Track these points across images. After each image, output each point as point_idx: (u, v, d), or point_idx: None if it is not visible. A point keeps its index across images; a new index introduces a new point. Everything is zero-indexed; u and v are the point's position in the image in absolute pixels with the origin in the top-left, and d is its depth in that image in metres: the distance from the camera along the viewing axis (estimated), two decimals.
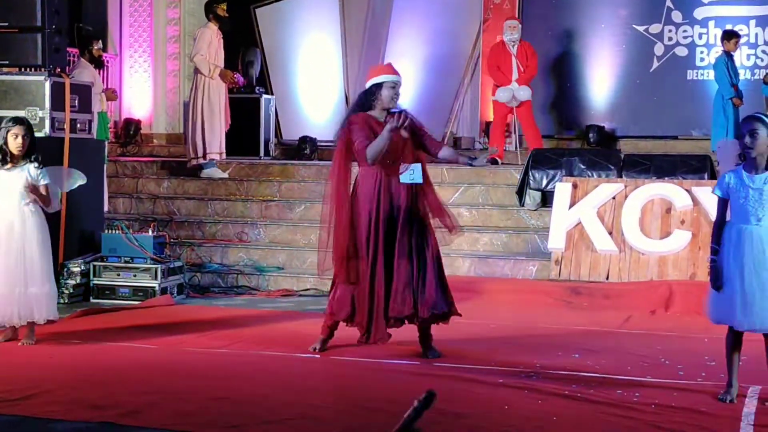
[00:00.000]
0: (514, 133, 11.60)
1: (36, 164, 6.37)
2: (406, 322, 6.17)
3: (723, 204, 5.20)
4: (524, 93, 11.28)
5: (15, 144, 6.28)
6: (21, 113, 7.69)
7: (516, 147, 11.52)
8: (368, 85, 6.27)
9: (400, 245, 6.08)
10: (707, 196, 8.07)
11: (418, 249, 6.14)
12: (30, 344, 6.39)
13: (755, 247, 5.05)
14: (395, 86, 6.20)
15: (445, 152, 6.42)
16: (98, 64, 10.88)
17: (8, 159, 6.29)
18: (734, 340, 5.20)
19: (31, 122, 6.95)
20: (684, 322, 7.31)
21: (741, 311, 5.05)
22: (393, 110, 6.16)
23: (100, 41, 11.24)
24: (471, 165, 6.66)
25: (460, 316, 6.32)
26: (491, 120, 12.31)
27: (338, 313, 6.20)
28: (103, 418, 4.75)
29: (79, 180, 6.90)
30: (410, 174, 6.08)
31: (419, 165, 6.13)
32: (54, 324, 6.63)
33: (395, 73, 6.29)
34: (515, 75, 11.30)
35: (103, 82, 12.57)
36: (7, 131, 6.30)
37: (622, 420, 4.84)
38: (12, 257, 6.30)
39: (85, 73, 10.16)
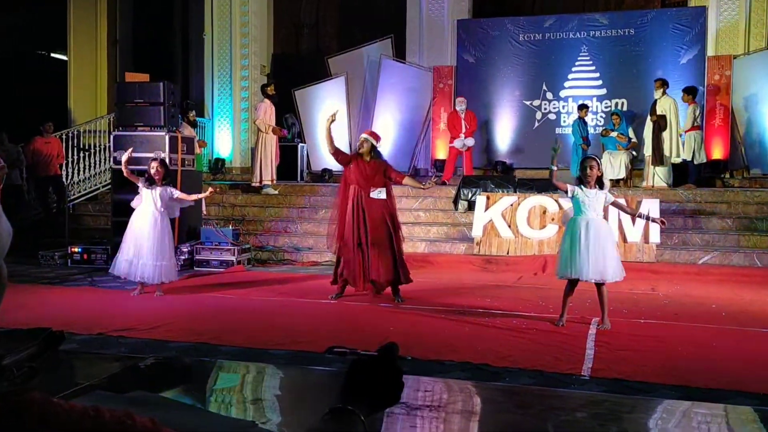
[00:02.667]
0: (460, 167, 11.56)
1: (169, 186, 6.44)
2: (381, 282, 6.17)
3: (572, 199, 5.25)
4: (470, 142, 11.31)
5: (156, 175, 6.31)
6: (151, 155, 7.67)
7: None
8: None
9: (374, 235, 6.08)
10: (568, 203, 8.12)
11: (387, 239, 6.13)
12: (160, 295, 6.38)
13: (590, 230, 5.10)
14: (361, 141, 6.29)
15: (407, 181, 6.45)
16: (193, 125, 10.90)
17: (152, 183, 6.32)
18: (569, 287, 5.24)
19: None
20: (553, 280, 7.31)
21: (575, 269, 5.08)
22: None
23: (194, 111, 11.26)
24: (423, 189, 6.69)
25: (411, 282, 6.27)
26: (438, 158, 12.35)
27: (342, 274, 6.20)
28: (201, 340, 4.76)
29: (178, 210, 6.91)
30: (378, 193, 6.14)
31: (384, 189, 6.18)
32: (173, 283, 6.64)
33: (364, 134, 6.43)
34: (463, 130, 11.32)
35: (201, 136, 12.58)
36: (150, 167, 6.34)
37: (516, 338, 4.88)
38: (154, 240, 6.29)
39: (186, 130, 10.12)
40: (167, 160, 7.51)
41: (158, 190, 6.34)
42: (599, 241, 5.06)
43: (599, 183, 5.18)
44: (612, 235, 5.32)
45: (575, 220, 5.18)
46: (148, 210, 6.34)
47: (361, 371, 0.99)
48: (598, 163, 5.19)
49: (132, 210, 6.49)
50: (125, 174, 6.41)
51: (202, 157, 12.18)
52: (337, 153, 6.24)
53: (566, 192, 5.23)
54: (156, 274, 6.31)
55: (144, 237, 6.28)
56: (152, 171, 6.32)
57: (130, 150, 6.65)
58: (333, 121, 6.21)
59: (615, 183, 10.70)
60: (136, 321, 5.32)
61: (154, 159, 6.53)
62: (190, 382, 2.64)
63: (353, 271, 6.08)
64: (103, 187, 10.92)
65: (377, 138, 6.38)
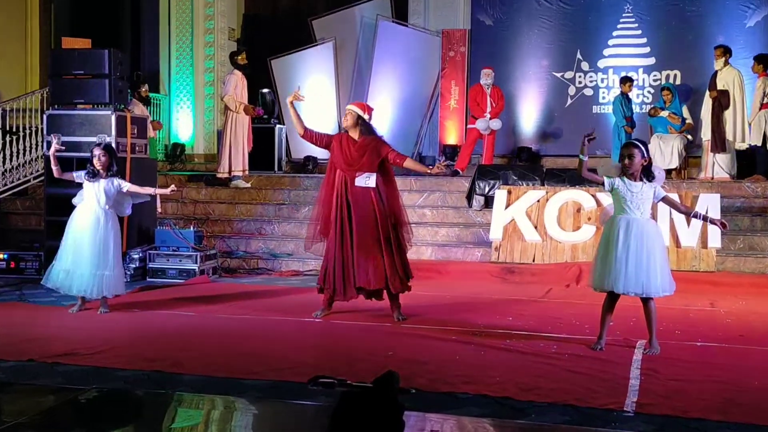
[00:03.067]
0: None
1: (117, 178, 6.41)
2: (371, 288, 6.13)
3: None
4: (496, 124, 11.30)
5: (98, 163, 6.31)
6: (93, 139, 7.67)
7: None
8: None
9: (360, 233, 6.01)
10: (607, 199, 8.13)
11: (377, 237, 6.06)
12: (104, 312, 6.38)
13: (631, 232, 5.11)
14: (345, 114, 6.26)
15: (408, 163, 6.29)
16: (146, 102, 10.96)
17: (95, 174, 6.31)
18: (609, 302, 5.24)
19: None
20: (590, 293, 7.27)
21: (618, 279, 5.08)
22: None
23: (147, 85, 11.30)
24: (429, 173, 6.64)
25: (410, 290, 6.24)
26: (448, 143, 12.36)
27: (324, 283, 6.17)
28: (155, 367, 4.75)
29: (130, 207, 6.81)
30: (365, 179, 6.08)
31: (374, 174, 6.08)
32: (120, 297, 6.63)
33: (350, 105, 6.37)
34: (488, 109, 11.30)
35: (156, 116, 12.59)
36: (92, 154, 6.34)
37: (544, 366, 4.88)
38: (96, 246, 6.29)
39: (136, 108, 10.14)
40: (114, 146, 7.51)
41: (102, 182, 6.34)
42: (643, 245, 5.06)
43: (647, 174, 5.17)
44: (660, 239, 5.31)
45: (614, 219, 5.20)
46: (90, 208, 6.34)
47: (353, 406, 0.99)
48: (641, 151, 5.15)
49: (73, 207, 6.48)
50: (55, 174, 6.39)
51: (157, 142, 12.20)
52: (309, 135, 6.20)
53: (603, 185, 5.23)
54: (97, 286, 6.30)
55: (85, 241, 6.27)
56: (95, 159, 6.31)
57: (57, 139, 6.50)
58: (296, 98, 6.15)
59: (666, 174, 10.71)
60: (75, 344, 5.31)
61: (98, 144, 6.52)
62: (142, 418, 2.64)
63: (336, 277, 6.04)
64: (34, 178, 10.89)
65: (366, 109, 6.24)
